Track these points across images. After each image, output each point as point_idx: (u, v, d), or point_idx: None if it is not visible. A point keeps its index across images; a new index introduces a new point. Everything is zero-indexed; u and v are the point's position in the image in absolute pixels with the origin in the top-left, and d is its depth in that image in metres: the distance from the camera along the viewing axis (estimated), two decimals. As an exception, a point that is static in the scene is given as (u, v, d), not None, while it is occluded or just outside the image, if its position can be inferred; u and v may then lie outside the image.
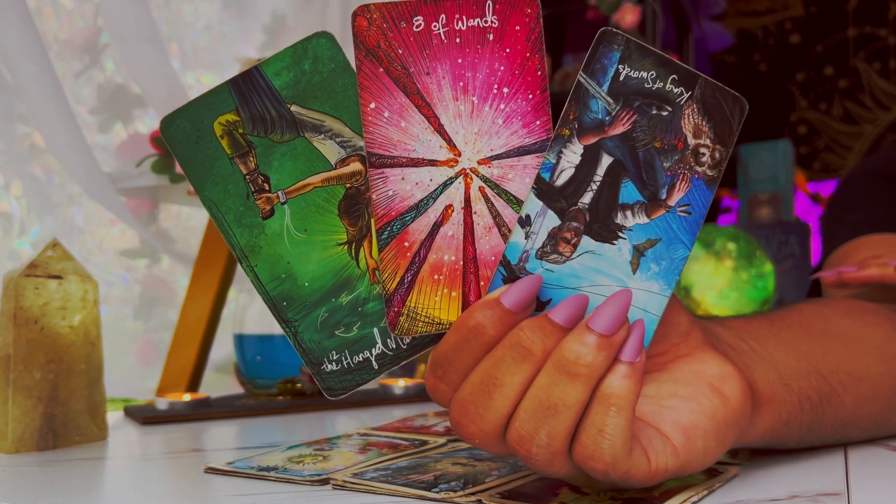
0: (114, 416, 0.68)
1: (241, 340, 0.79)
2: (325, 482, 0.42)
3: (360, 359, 0.36)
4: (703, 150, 0.35)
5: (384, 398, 0.78)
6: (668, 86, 0.35)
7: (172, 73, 0.95)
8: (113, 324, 1.01)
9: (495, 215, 0.35)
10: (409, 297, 0.35)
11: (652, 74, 0.35)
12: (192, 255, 0.98)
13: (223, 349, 1.01)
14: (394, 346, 0.36)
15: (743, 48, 2.07)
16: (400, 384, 0.80)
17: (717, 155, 0.35)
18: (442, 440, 0.52)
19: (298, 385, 0.76)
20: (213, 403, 0.72)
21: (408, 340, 0.36)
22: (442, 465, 0.44)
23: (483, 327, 0.33)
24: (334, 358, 0.36)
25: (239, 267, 0.86)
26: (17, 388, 0.51)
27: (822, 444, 0.47)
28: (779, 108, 2.02)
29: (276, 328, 0.79)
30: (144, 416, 0.65)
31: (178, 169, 0.78)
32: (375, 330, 0.36)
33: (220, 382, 1.03)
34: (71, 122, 0.82)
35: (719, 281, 1.09)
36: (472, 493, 0.38)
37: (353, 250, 0.36)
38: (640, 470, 0.34)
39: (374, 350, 0.36)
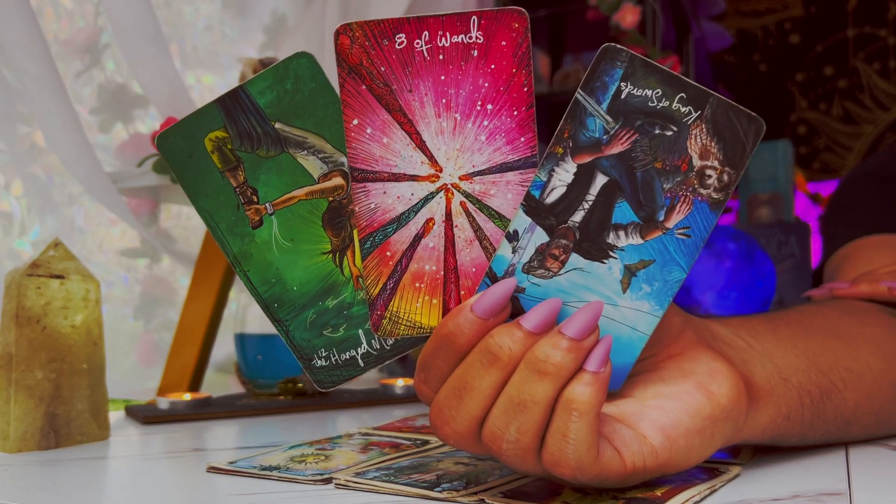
0: (115, 415, 0.68)
1: (242, 340, 0.79)
2: (327, 481, 0.42)
3: (347, 357, 0.39)
4: (709, 171, 0.34)
5: (385, 398, 0.78)
6: (674, 104, 0.34)
7: (174, 72, 0.94)
8: (113, 324, 1.01)
9: (476, 229, 0.36)
10: (392, 303, 0.36)
11: (657, 93, 0.34)
12: (193, 254, 0.98)
13: (224, 349, 1.01)
14: (378, 347, 0.38)
15: (743, 48, 2.07)
16: (400, 384, 0.80)
17: (726, 178, 0.34)
18: (443, 440, 0.52)
19: (300, 385, 0.76)
20: (214, 403, 0.72)
21: (391, 342, 0.38)
22: (444, 465, 0.44)
23: (454, 335, 0.34)
24: (323, 355, 0.39)
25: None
26: (19, 388, 0.51)
27: (825, 442, 0.47)
28: (779, 108, 2.02)
29: (277, 328, 0.79)
30: (146, 415, 0.65)
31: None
32: (360, 331, 0.38)
33: (221, 382, 1.03)
34: (72, 121, 0.82)
35: (719, 281, 1.10)
36: (475, 493, 0.38)
37: (337, 259, 0.38)
38: (613, 471, 0.34)
39: (359, 349, 0.38)
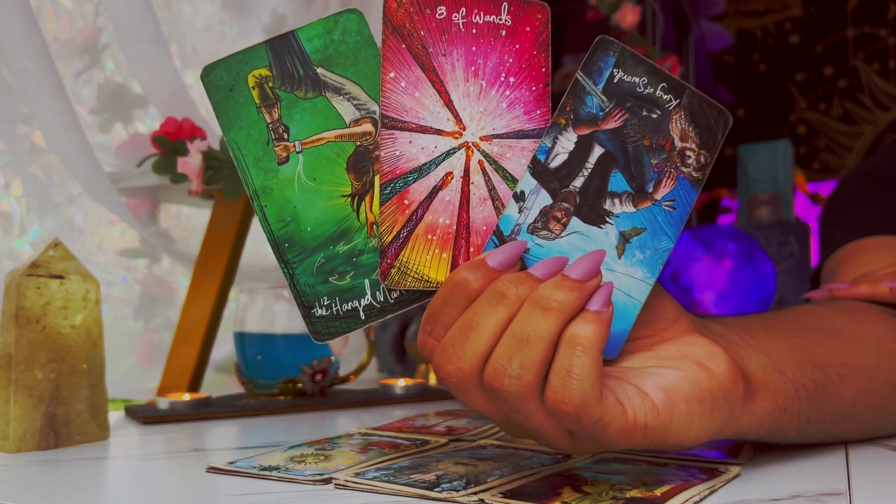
0: (115, 415, 0.68)
1: (241, 340, 0.79)
2: (327, 482, 0.42)
3: (349, 307, 0.40)
4: (688, 153, 0.38)
5: (385, 398, 0.78)
6: (657, 92, 0.38)
7: (174, 72, 0.94)
8: (113, 324, 1.01)
9: (491, 188, 0.39)
10: (403, 252, 0.38)
11: (644, 80, 0.38)
12: (193, 255, 0.98)
13: (224, 349, 1.01)
14: (381, 300, 0.40)
15: (742, 48, 2.07)
16: (400, 384, 0.80)
17: (703, 159, 0.39)
18: (443, 440, 0.52)
19: (299, 385, 0.76)
20: (213, 403, 0.72)
21: (395, 295, 0.40)
22: (444, 465, 0.44)
23: (467, 281, 0.35)
24: (325, 303, 0.40)
25: (240, 266, 0.86)
26: (18, 388, 0.51)
27: (825, 440, 0.47)
28: (778, 108, 2.02)
29: (277, 328, 0.79)
30: (146, 415, 0.65)
31: (180, 168, 0.78)
32: (366, 281, 0.40)
33: (220, 382, 1.03)
34: (71, 121, 0.82)
35: (719, 281, 1.10)
36: (474, 493, 0.38)
37: (355, 203, 0.40)
38: (615, 419, 0.35)
39: (362, 300, 0.40)
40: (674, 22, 1.52)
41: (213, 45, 1.17)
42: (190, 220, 1.10)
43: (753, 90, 2.05)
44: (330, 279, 0.40)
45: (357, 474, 0.42)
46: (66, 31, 0.99)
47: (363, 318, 0.39)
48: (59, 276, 0.53)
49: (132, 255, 1.05)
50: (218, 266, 0.84)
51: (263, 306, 0.80)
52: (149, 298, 1.04)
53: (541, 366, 0.34)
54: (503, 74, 0.39)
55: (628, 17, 1.28)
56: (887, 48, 1.93)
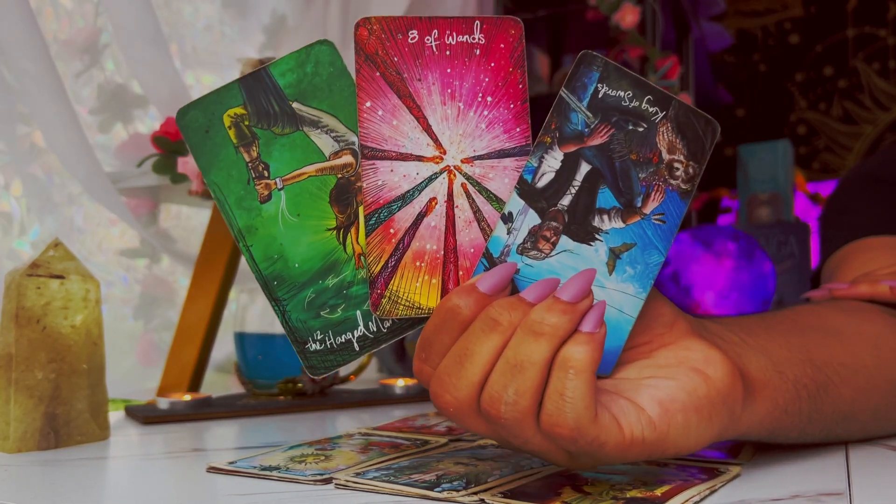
0: (115, 415, 0.68)
1: (241, 340, 0.79)
2: (327, 482, 0.42)
3: (343, 340, 0.39)
4: (676, 165, 0.38)
5: (385, 398, 0.78)
6: (643, 105, 0.38)
7: (174, 72, 0.94)
8: (113, 324, 1.01)
9: (476, 210, 0.38)
10: (392, 281, 0.38)
11: (629, 94, 0.38)
12: (193, 255, 0.98)
13: (224, 349, 1.01)
14: (375, 329, 0.39)
15: (742, 48, 2.07)
16: (400, 384, 0.80)
17: (691, 171, 0.38)
18: (443, 440, 0.52)
19: (299, 385, 0.76)
20: (214, 403, 0.72)
21: (388, 324, 0.39)
22: (444, 465, 0.44)
23: (459, 308, 0.35)
24: (318, 338, 0.39)
25: (240, 266, 0.86)
26: (18, 388, 0.51)
27: (825, 440, 0.47)
28: (778, 108, 2.02)
29: (277, 328, 0.79)
30: (146, 415, 0.65)
31: (180, 168, 0.78)
32: (358, 312, 0.39)
33: (221, 382, 1.03)
34: (71, 121, 0.82)
35: (719, 281, 1.10)
36: (475, 493, 0.38)
37: (340, 236, 0.40)
38: (611, 437, 0.35)
39: (355, 332, 0.39)
40: (674, 22, 1.52)
41: (213, 45, 1.17)
42: (190, 220, 1.10)
43: (753, 90, 2.05)
44: (322, 313, 0.39)
45: (357, 474, 0.42)
46: (66, 31, 0.99)
47: (357, 349, 0.39)
48: (60, 276, 0.53)
49: (132, 255, 1.05)
50: (218, 266, 0.84)
51: (263, 306, 0.80)
52: (149, 298, 1.04)
53: (536, 391, 0.34)
54: (480, 94, 0.39)
55: (628, 17, 1.27)
56: (887, 48, 1.93)
